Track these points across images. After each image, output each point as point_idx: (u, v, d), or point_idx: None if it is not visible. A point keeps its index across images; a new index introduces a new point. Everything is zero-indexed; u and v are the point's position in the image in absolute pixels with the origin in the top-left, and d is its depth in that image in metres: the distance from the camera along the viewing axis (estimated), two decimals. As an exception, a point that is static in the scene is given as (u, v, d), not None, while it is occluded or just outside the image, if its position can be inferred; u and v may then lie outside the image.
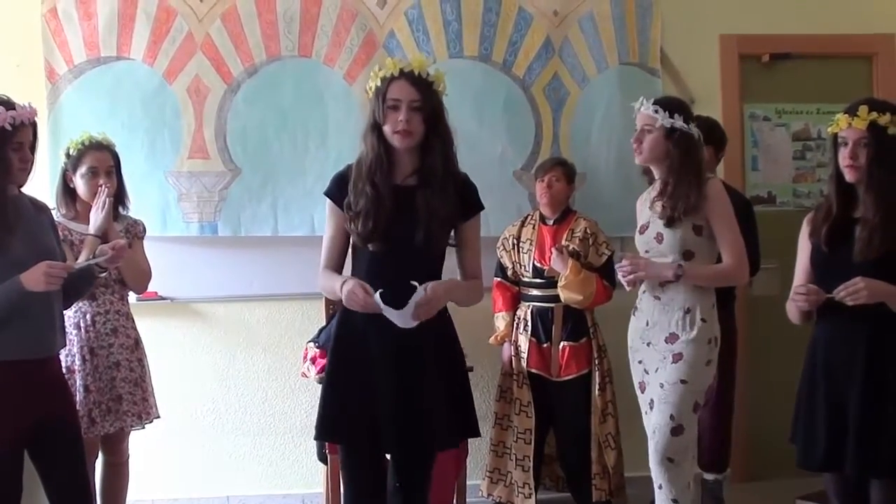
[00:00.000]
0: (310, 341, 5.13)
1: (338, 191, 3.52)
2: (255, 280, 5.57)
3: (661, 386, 4.04)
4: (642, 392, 4.21)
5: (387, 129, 3.40)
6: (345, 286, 3.36)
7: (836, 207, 3.56)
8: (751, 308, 5.76)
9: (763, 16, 5.86)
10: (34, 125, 3.63)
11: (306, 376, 5.09)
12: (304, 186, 5.39)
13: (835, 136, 3.56)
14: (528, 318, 5.23)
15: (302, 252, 5.13)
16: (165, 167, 5.41)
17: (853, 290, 3.33)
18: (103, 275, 4.10)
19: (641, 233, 4.18)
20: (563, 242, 5.14)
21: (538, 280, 5.20)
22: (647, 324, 4.12)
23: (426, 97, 3.40)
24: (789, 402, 3.73)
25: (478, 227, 3.64)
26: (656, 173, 4.14)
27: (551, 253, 5.08)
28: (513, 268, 5.30)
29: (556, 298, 5.14)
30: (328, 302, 5.16)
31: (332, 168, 3.95)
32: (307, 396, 5.46)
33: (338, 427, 3.53)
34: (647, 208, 4.18)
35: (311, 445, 5.35)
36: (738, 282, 4.28)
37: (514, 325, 5.29)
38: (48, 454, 3.60)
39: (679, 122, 4.00)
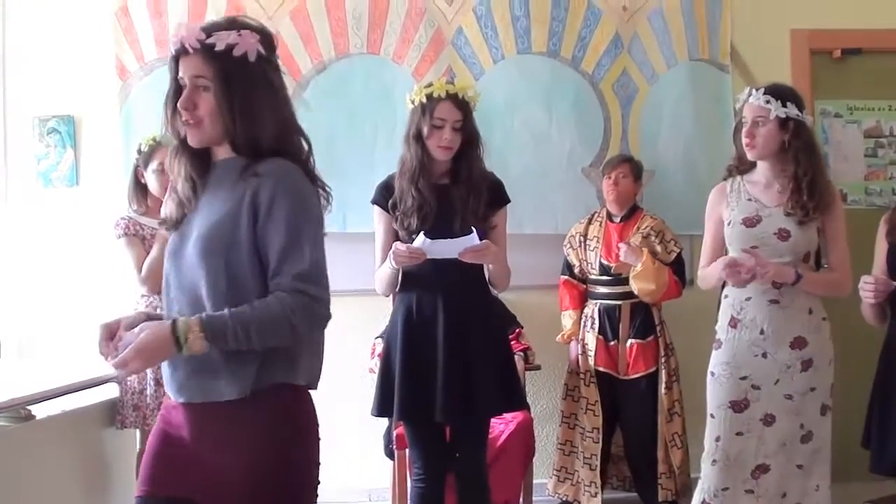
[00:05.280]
0: (378, 337, 5.15)
1: (383, 198, 3.95)
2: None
3: (790, 397, 3.75)
4: (737, 411, 3.80)
5: (430, 143, 3.80)
6: (389, 256, 3.76)
7: None
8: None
9: (834, 10, 5.78)
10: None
11: (374, 372, 5.10)
12: (373, 183, 5.33)
13: None
14: (596, 315, 5.21)
15: (371, 249, 5.14)
16: (234, 163, 5.47)
17: None
18: None
19: (749, 225, 3.79)
20: (630, 240, 5.12)
21: (605, 277, 5.18)
22: (762, 332, 3.77)
23: (466, 118, 3.81)
24: (863, 406, 3.67)
25: (504, 217, 3.97)
26: (770, 169, 3.82)
27: (618, 249, 5.06)
28: (580, 265, 5.28)
29: (623, 296, 5.13)
30: (395, 298, 5.16)
31: (400, 165, 4.03)
32: (373, 393, 5.46)
33: (399, 405, 3.86)
34: (742, 200, 3.85)
35: (379, 441, 5.37)
36: (842, 294, 3.87)
37: (582, 323, 5.28)
38: None
39: (793, 111, 3.71)
